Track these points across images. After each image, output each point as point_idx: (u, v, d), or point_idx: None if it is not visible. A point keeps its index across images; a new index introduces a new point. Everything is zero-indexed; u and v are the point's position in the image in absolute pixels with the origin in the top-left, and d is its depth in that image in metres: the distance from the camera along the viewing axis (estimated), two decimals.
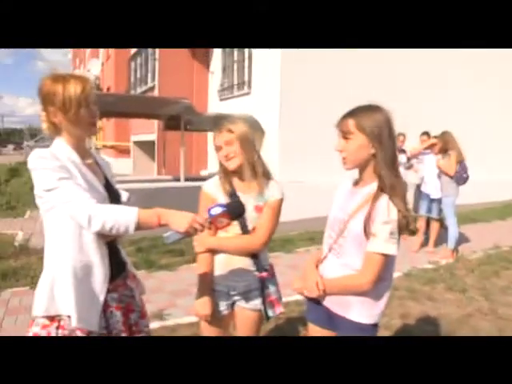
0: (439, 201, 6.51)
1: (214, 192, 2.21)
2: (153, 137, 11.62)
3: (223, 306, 2.22)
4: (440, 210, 6.63)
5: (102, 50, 22.10)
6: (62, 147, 1.75)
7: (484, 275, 5.53)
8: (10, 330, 3.76)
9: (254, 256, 2.19)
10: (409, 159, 7.12)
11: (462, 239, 7.12)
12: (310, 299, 2.01)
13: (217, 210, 1.74)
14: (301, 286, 1.99)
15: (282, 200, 2.21)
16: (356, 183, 1.96)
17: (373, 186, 1.82)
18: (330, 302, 1.93)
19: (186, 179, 8.74)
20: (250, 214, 2.14)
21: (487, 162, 10.76)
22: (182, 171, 8.82)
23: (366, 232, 1.76)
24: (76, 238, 1.69)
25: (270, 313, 2.22)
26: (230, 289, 2.20)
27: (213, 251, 2.21)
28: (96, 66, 21.87)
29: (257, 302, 2.22)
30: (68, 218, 1.65)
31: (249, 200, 2.14)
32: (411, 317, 4.13)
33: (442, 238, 6.87)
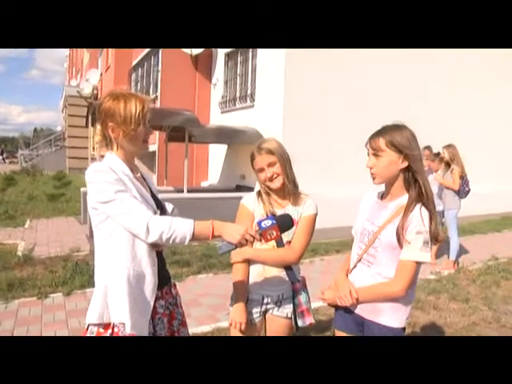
0: (438, 213, 6.62)
1: (253, 206, 2.31)
2: (153, 147, 11.67)
3: (256, 314, 2.30)
4: (441, 223, 6.76)
5: (100, 61, 22.18)
6: (115, 161, 1.82)
7: (485, 285, 5.64)
8: None
9: (288, 267, 2.29)
10: None
11: (462, 251, 7.24)
12: (339, 308, 2.11)
13: (267, 223, 1.80)
14: (332, 296, 2.09)
15: (316, 215, 2.32)
16: (384, 197, 2.08)
17: (403, 198, 1.96)
18: (360, 309, 2.03)
19: (188, 190, 8.82)
20: None
21: (484, 174, 10.90)
22: (186, 182, 8.90)
23: (400, 242, 1.88)
24: (130, 247, 1.75)
25: (300, 322, 2.31)
26: (263, 297, 2.29)
27: (248, 261, 2.29)
28: (95, 76, 21.94)
29: (288, 311, 2.31)
30: (121, 229, 1.71)
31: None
32: (419, 326, 4.23)
33: (442, 250, 7.01)
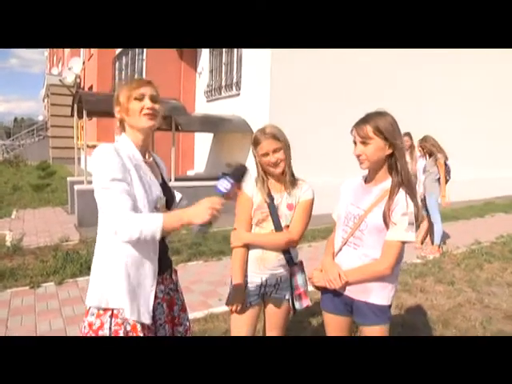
0: (422, 199, 6.81)
1: (251, 192, 2.36)
2: None
3: (254, 297, 2.37)
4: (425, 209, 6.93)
5: (83, 49, 21.84)
6: (125, 143, 1.85)
7: (469, 268, 5.80)
8: (15, 330, 3.79)
9: (286, 251, 2.35)
10: None
11: (446, 236, 7.41)
12: (328, 290, 2.19)
13: (226, 186, 1.75)
14: (321, 278, 2.18)
15: (313, 200, 2.38)
16: (367, 181, 2.17)
17: (387, 182, 2.06)
18: (349, 291, 2.12)
19: (175, 179, 8.83)
20: (282, 212, 2.32)
21: (467, 161, 11.09)
22: (173, 171, 8.90)
23: (386, 223, 1.99)
24: None
25: (298, 305, 2.38)
26: (262, 281, 2.35)
27: (247, 246, 2.35)
28: (77, 64, 21.62)
29: (286, 293, 2.39)
30: None
31: (282, 198, 2.32)
32: (406, 308, 4.35)
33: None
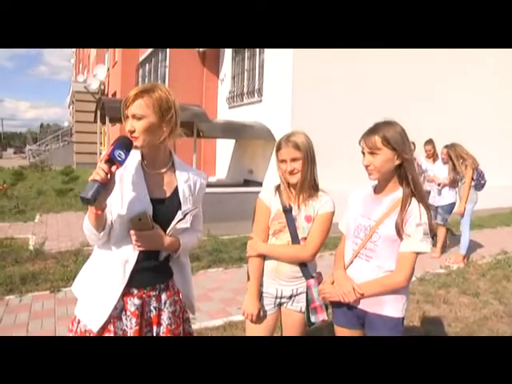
0: (443, 208, 6.68)
1: (269, 201, 2.32)
2: None
3: (270, 306, 2.33)
4: (447, 216, 6.81)
5: (107, 56, 22.22)
6: (133, 154, 1.82)
7: (495, 279, 5.63)
8: (36, 333, 3.81)
9: (302, 264, 2.30)
10: (422, 172, 7.25)
11: (471, 245, 7.20)
12: (338, 304, 2.15)
13: (120, 154, 1.68)
14: (332, 292, 2.14)
15: (333, 213, 2.32)
16: (377, 192, 2.14)
17: (398, 193, 2.03)
18: (363, 304, 2.08)
19: None
20: (300, 223, 2.27)
21: (492, 168, 10.86)
22: None
23: (400, 234, 1.95)
24: (108, 241, 1.85)
25: (313, 319, 2.31)
26: (277, 292, 2.32)
27: (263, 256, 2.32)
28: (102, 71, 22.01)
29: (302, 305, 2.33)
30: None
31: (300, 210, 2.27)
32: (429, 320, 4.23)
33: (449, 244, 7.10)
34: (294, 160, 2.22)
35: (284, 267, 2.29)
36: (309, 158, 2.25)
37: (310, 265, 2.33)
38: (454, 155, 6.31)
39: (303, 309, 2.33)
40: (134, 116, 1.75)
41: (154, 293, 1.92)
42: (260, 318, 2.31)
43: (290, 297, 2.33)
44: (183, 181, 1.94)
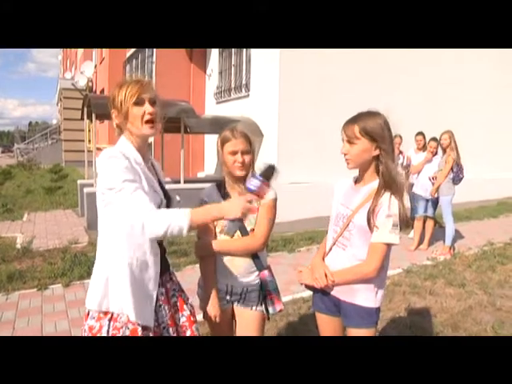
0: (433, 200, 6.73)
1: (213, 200, 2.23)
2: (149, 139, 11.63)
3: (222, 302, 2.28)
4: (434, 210, 6.86)
5: (95, 53, 22.04)
6: (128, 147, 1.82)
7: (481, 270, 5.70)
8: (22, 331, 3.82)
9: (255, 256, 2.28)
10: (408, 166, 7.29)
11: (458, 236, 7.31)
12: (317, 290, 2.19)
13: (255, 184, 1.77)
14: (307, 277, 2.18)
15: (275, 200, 2.29)
16: (357, 181, 2.16)
17: (374, 183, 2.04)
18: (336, 291, 2.12)
19: (185, 181, 8.84)
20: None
21: (480, 161, 10.94)
22: (182, 173, 8.91)
23: (370, 225, 1.97)
24: (133, 236, 1.73)
25: (271, 310, 2.32)
26: (227, 288, 2.28)
27: (214, 254, 2.26)
28: (89, 68, 21.83)
29: (252, 303, 2.31)
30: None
31: None
32: (416, 311, 4.27)
33: (436, 236, 7.11)
34: (245, 153, 2.20)
35: (238, 261, 2.25)
36: (254, 149, 2.26)
37: (261, 257, 2.31)
38: (453, 140, 6.43)
39: (254, 307, 2.31)
40: (151, 100, 1.81)
41: (168, 277, 2.02)
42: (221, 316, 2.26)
43: (241, 294, 2.29)
44: (157, 169, 2.06)
